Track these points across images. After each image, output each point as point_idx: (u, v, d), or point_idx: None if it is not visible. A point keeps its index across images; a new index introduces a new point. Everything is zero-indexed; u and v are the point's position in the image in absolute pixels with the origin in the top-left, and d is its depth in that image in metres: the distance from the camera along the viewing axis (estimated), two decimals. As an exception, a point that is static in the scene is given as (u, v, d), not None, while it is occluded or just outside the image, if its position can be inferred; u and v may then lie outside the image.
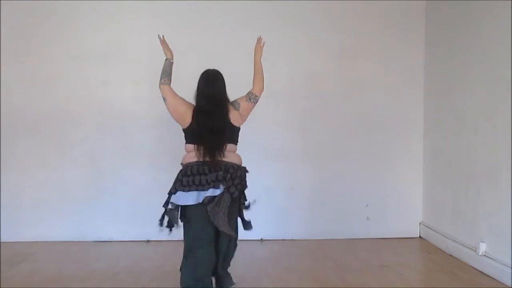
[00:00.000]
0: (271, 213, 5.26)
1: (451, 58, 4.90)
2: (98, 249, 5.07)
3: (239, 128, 3.61)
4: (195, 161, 3.48)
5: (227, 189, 3.40)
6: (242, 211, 3.61)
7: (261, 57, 3.72)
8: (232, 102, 3.58)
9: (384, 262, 4.62)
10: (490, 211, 4.21)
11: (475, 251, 4.35)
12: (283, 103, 5.30)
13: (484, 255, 4.24)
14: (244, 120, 3.63)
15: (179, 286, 3.60)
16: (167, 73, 3.60)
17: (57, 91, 5.28)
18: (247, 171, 3.60)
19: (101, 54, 5.24)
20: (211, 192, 3.40)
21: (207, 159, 3.46)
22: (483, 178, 4.32)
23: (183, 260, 3.53)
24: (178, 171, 3.56)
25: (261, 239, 5.29)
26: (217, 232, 3.51)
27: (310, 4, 5.35)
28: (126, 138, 5.32)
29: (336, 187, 5.45)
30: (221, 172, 3.44)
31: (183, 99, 3.58)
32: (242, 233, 3.69)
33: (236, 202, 3.50)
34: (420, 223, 5.54)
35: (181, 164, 3.60)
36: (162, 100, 3.62)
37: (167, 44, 3.68)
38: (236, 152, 3.62)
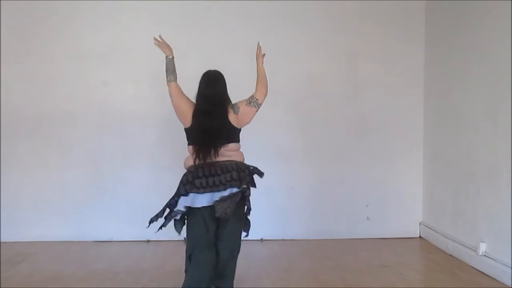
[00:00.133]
0: (271, 213, 5.26)
1: (451, 58, 4.90)
2: (98, 249, 5.07)
3: (239, 129, 3.62)
4: (200, 164, 3.46)
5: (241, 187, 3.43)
6: (248, 212, 3.62)
7: (263, 63, 3.71)
8: (232, 104, 3.58)
9: (384, 262, 4.62)
10: (490, 211, 4.21)
11: (475, 251, 4.35)
12: (283, 103, 5.30)
13: (484, 255, 4.24)
14: (246, 124, 3.61)
15: (180, 286, 3.61)
16: (171, 70, 3.58)
17: (57, 91, 5.28)
18: (263, 173, 3.63)
19: (101, 54, 5.24)
20: (229, 192, 3.40)
21: (202, 161, 3.46)
22: (483, 178, 4.32)
23: (186, 261, 3.53)
24: (178, 171, 3.56)
25: (261, 239, 5.29)
26: (218, 238, 3.53)
27: (310, 4, 5.35)
28: (126, 138, 5.32)
29: (336, 187, 5.45)
30: (235, 172, 3.45)
31: (187, 98, 3.58)
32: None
33: (245, 201, 3.52)
34: (420, 223, 5.54)
35: (185, 168, 3.60)
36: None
37: (165, 43, 3.67)
38: (240, 150, 3.64)
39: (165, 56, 3.62)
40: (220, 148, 3.48)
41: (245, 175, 3.48)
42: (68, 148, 5.31)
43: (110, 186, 5.32)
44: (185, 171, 3.57)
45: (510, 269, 3.88)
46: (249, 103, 3.59)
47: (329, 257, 4.79)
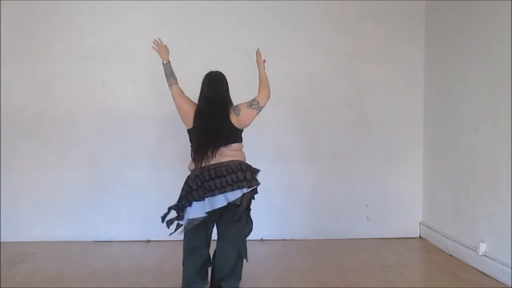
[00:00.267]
0: (271, 213, 5.26)
1: (451, 58, 4.90)
2: (98, 249, 5.07)
3: (241, 130, 3.63)
4: (205, 166, 3.49)
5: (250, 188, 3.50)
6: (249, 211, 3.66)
7: (264, 68, 3.73)
8: (234, 106, 3.60)
9: (384, 262, 4.62)
10: (490, 211, 4.21)
11: (475, 251, 4.35)
12: (283, 103, 5.29)
13: (484, 255, 4.24)
14: (246, 125, 3.63)
15: (180, 285, 3.63)
16: (169, 74, 3.67)
17: (57, 91, 5.28)
18: (258, 170, 3.67)
19: (101, 54, 5.24)
20: (238, 194, 3.46)
21: (203, 164, 3.47)
22: (483, 178, 4.32)
23: (183, 256, 3.64)
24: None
25: (261, 239, 5.29)
26: (223, 239, 3.59)
27: (310, 4, 5.35)
28: (126, 138, 5.32)
29: (336, 187, 5.45)
30: (240, 172, 3.47)
31: (188, 99, 3.63)
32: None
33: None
34: (420, 223, 5.54)
35: (189, 169, 3.64)
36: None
37: (163, 46, 3.74)
38: (242, 150, 3.66)
39: (161, 62, 3.69)
40: (218, 149, 3.49)
41: (251, 175, 3.53)
42: (68, 148, 5.31)
43: (110, 186, 5.32)
44: (189, 173, 3.59)
45: (510, 269, 3.88)
46: (250, 106, 3.60)
47: (329, 257, 4.79)
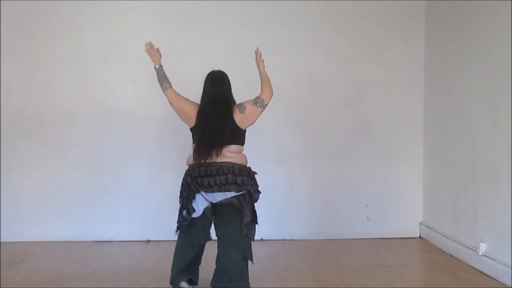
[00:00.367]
0: (271, 213, 5.24)
1: (451, 58, 4.90)
2: (98, 249, 5.07)
3: (244, 130, 3.62)
4: (199, 163, 3.50)
5: (247, 192, 3.51)
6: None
7: (264, 67, 3.73)
8: (238, 104, 3.60)
9: (384, 262, 4.62)
10: (490, 211, 4.21)
11: (475, 251, 4.35)
12: (283, 103, 5.28)
13: (484, 255, 4.24)
14: (251, 124, 3.63)
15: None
16: (163, 78, 3.68)
17: (57, 91, 5.28)
18: (255, 172, 3.65)
19: (101, 54, 5.24)
20: (223, 196, 3.47)
21: (202, 160, 3.48)
22: (483, 178, 4.32)
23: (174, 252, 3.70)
24: (178, 171, 3.60)
25: (261, 239, 5.28)
26: (223, 239, 3.60)
27: (310, 4, 5.35)
28: (126, 138, 5.32)
29: (336, 187, 5.45)
30: (230, 175, 3.47)
31: (187, 100, 3.63)
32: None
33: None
34: (420, 223, 5.54)
35: (187, 164, 3.65)
36: (162, 99, 3.64)
37: (155, 49, 3.75)
38: (242, 152, 3.65)
39: (153, 66, 3.70)
40: (223, 148, 3.49)
41: (243, 179, 3.50)
42: (68, 148, 5.30)
43: (110, 186, 5.32)
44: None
45: (510, 269, 3.88)
46: (255, 103, 3.60)
47: (329, 257, 4.79)
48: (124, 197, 5.30)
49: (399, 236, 5.45)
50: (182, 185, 3.62)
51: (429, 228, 5.34)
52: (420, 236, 5.51)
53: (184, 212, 3.58)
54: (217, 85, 3.58)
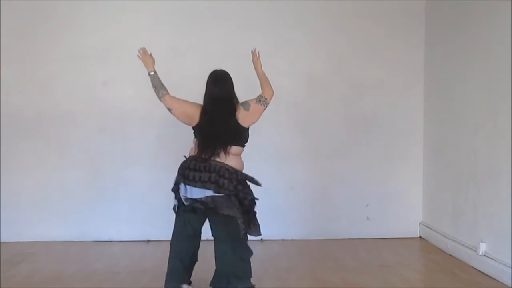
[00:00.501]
0: (271, 213, 5.23)
1: (451, 58, 4.90)
2: (98, 249, 5.07)
3: (247, 129, 3.62)
4: (195, 156, 3.53)
5: (234, 195, 3.50)
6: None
7: (261, 67, 3.73)
8: (242, 103, 3.61)
9: (384, 262, 4.62)
10: (490, 211, 4.21)
11: (475, 251, 4.35)
12: (283, 103, 5.28)
13: (484, 255, 4.24)
14: (254, 122, 3.64)
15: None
16: (159, 85, 3.61)
17: (57, 91, 5.28)
18: (249, 178, 3.63)
19: (101, 54, 5.24)
20: (200, 193, 3.46)
21: (203, 156, 3.48)
22: (483, 178, 4.32)
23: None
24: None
25: (261, 239, 5.26)
26: (216, 240, 3.62)
27: (310, 4, 5.35)
28: (126, 138, 5.32)
29: (336, 187, 5.45)
30: (214, 174, 3.46)
31: (187, 101, 3.61)
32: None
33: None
34: (420, 223, 5.54)
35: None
36: (169, 111, 3.64)
37: (148, 55, 3.69)
38: (241, 155, 3.64)
39: (148, 73, 3.64)
40: (225, 148, 3.49)
41: (229, 183, 3.48)
42: (68, 148, 5.30)
43: (110, 186, 5.32)
44: None
45: (510, 269, 3.89)
46: (258, 101, 3.62)
47: (329, 257, 4.79)
48: (124, 197, 5.30)
49: (399, 236, 5.45)
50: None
51: (429, 228, 5.34)
52: (420, 236, 5.51)
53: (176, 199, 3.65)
54: (220, 84, 3.58)
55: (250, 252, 3.69)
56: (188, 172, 3.49)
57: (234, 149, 3.56)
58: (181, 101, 3.60)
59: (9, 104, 5.22)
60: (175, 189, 3.63)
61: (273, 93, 3.68)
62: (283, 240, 5.37)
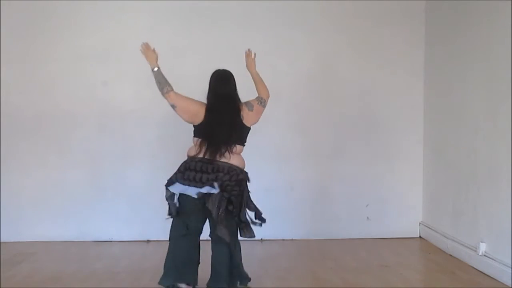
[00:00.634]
0: (271, 213, 5.20)
1: (451, 58, 4.90)
2: (98, 249, 5.07)
3: (249, 129, 3.63)
4: (199, 158, 3.49)
5: (226, 192, 3.46)
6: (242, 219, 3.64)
7: (255, 68, 3.75)
8: (245, 102, 3.62)
9: (384, 262, 4.62)
10: (490, 211, 4.21)
11: (475, 251, 4.35)
12: (283, 103, 5.29)
13: (484, 255, 4.24)
14: (255, 122, 3.66)
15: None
16: (163, 81, 3.53)
17: (57, 91, 5.28)
18: (248, 180, 3.64)
19: (101, 54, 5.23)
20: (206, 190, 3.45)
21: (207, 156, 3.46)
22: (483, 178, 4.32)
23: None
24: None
25: (261, 239, 5.28)
26: (215, 240, 3.62)
27: (310, 4, 5.35)
28: (126, 138, 5.32)
29: (336, 187, 5.45)
30: (222, 174, 3.46)
31: (192, 99, 3.57)
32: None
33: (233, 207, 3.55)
34: (420, 223, 5.54)
35: (187, 155, 3.64)
36: (162, 99, 3.62)
37: (150, 50, 3.62)
38: (241, 154, 3.65)
39: (151, 69, 3.57)
40: (229, 147, 3.49)
41: (228, 180, 3.48)
42: (68, 148, 5.30)
43: (110, 186, 5.31)
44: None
45: (510, 269, 3.89)
46: (259, 103, 3.66)
47: (329, 257, 4.79)
48: (124, 197, 5.30)
49: (399, 236, 5.45)
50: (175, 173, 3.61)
51: (429, 228, 5.34)
52: (420, 236, 5.51)
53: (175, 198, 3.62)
54: (224, 83, 3.59)
55: (239, 254, 3.72)
56: (195, 175, 3.47)
57: (238, 148, 3.57)
58: (185, 98, 3.56)
59: (9, 104, 5.22)
60: (169, 194, 3.61)
61: (269, 95, 3.71)
62: (283, 240, 5.37)
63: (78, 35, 5.26)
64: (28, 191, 5.28)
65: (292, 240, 5.38)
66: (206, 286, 3.71)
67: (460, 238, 4.66)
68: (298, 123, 5.42)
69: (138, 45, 3.66)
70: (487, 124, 4.26)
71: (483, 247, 4.26)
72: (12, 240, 5.15)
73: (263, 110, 3.66)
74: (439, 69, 5.19)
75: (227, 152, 3.50)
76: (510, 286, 3.87)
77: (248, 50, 3.76)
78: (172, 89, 3.53)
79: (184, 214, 3.60)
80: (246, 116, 3.57)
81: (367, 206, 5.47)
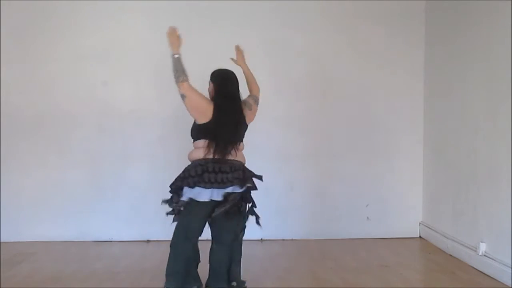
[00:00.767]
0: (271, 213, 5.24)
1: (451, 58, 4.90)
2: (98, 249, 5.07)
3: (247, 126, 3.66)
4: (211, 159, 3.45)
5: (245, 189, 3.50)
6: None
7: (246, 64, 3.80)
8: (243, 101, 3.62)
9: (384, 262, 4.63)
10: (490, 211, 4.21)
11: (475, 251, 4.35)
12: (283, 103, 5.30)
13: (484, 255, 4.24)
14: (252, 121, 3.67)
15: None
16: (181, 70, 3.43)
17: (57, 91, 5.28)
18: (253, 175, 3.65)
19: (101, 54, 5.24)
20: (231, 189, 3.45)
21: (217, 156, 3.44)
22: (483, 178, 4.32)
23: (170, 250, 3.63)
24: (179, 171, 3.56)
25: (261, 239, 5.28)
26: (216, 240, 3.61)
27: (310, 4, 5.35)
28: (126, 138, 5.32)
29: (336, 187, 5.45)
30: (240, 171, 3.49)
31: (203, 96, 3.52)
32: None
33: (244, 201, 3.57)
34: (420, 223, 5.54)
35: (190, 160, 3.59)
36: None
37: (176, 35, 3.54)
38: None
39: (171, 54, 3.47)
40: (238, 145, 3.52)
41: (248, 176, 3.53)
42: (68, 148, 5.30)
43: (110, 186, 5.32)
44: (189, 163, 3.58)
45: (510, 269, 3.89)
46: (254, 102, 3.70)
47: (329, 257, 4.79)
48: (124, 197, 5.30)
49: (399, 236, 5.45)
50: (179, 176, 3.55)
51: (429, 228, 5.34)
52: (420, 236, 5.51)
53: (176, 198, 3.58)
54: (230, 82, 3.59)
55: (240, 253, 3.71)
56: (215, 176, 3.42)
57: (241, 145, 3.61)
58: (198, 93, 3.46)
59: (9, 104, 5.23)
60: (175, 193, 3.57)
61: (259, 89, 3.77)
62: (283, 240, 5.37)
63: (78, 35, 5.26)
64: (28, 191, 5.28)
65: (292, 240, 5.38)
66: (205, 286, 3.70)
67: (460, 238, 4.66)
68: (298, 123, 5.42)
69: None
70: (487, 124, 4.26)
71: (483, 247, 4.26)
72: (12, 240, 5.16)
73: (257, 108, 3.72)
74: (439, 69, 5.19)
75: (233, 150, 3.51)
76: (510, 286, 3.87)
77: (238, 45, 3.76)
78: (187, 80, 3.42)
79: (189, 216, 3.56)
80: (246, 115, 3.59)
81: (367, 206, 5.47)
